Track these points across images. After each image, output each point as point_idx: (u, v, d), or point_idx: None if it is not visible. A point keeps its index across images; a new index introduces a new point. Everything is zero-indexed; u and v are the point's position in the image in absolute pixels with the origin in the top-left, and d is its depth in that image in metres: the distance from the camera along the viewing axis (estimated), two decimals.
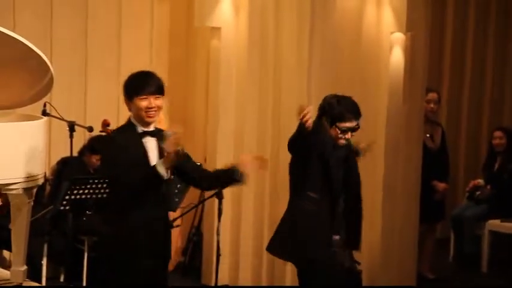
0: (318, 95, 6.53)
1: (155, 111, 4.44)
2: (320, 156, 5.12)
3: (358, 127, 5.19)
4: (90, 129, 6.76)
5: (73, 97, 7.37)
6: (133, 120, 4.43)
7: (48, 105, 6.41)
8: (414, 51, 7.24)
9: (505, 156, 8.47)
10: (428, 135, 7.73)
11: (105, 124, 6.89)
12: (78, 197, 6.28)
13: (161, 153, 4.38)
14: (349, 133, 5.17)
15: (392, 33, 7.06)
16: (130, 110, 4.46)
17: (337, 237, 5.23)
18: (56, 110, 6.39)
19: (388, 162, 7.14)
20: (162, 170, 4.26)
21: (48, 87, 5.91)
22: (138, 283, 4.39)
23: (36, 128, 5.71)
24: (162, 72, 7.80)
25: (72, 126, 6.41)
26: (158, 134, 4.44)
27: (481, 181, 8.53)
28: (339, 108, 5.18)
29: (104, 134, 6.94)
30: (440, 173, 7.84)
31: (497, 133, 8.56)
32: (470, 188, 8.58)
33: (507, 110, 10.09)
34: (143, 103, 4.36)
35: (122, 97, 7.66)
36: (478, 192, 8.46)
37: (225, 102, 7.40)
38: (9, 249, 6.55)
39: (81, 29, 7.72)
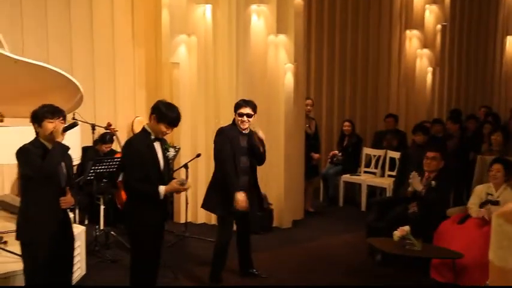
0: None
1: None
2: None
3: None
4: (106, 128, 6.87)
5: (87, 107, 6.97)
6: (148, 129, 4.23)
7: (75, 113, 6.22)
8: (298, 74, 7.34)
9: (350, 137, 8.77)
10: (307, 125, 7.96)
11: (109, 125, 7.02)
12: (98, 170, 6.25)
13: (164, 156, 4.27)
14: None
15: (285, 64, 7.16)
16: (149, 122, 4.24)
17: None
18: (81, 116, 6.31)
19: (286, 142, 7.25)
20: (162, 193, 4.17)
21: (79, 103, 5.85)
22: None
23: (77, 128, 5.66)
24: (140, 93, 8.13)
25: (93, 126, 6.48)
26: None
27: (336, 152, 8.81)
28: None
29: (107, 131, 7.15)
30: (315, 148, 8.13)
31: (346, 123, 8.89)
32: (331, 155, 8.80)
33: (349, 107, 10.20)
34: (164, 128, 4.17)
35: (117, 107, 7.98)
36: (335, 158, 8.70)
37: (183, 110, 7.16)
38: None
39: (90, 62, 7.71)
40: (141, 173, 4.12)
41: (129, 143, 4.38)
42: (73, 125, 4.00)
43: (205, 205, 5.34)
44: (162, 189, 4.15)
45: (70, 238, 4.14)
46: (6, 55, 5.17)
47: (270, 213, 7.19)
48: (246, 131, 5.13)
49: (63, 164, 3.98)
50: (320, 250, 6.51)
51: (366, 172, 8.74)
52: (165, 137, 4.35)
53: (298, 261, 6.12)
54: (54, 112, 3.93)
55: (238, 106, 5.10)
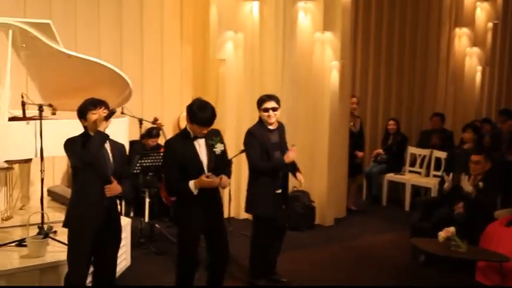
0: (289, 102, 6.84)
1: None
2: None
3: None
4: (153, 122, 6.92)
5: (135, 102, 7.07)
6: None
7: (124, 108, 6.14)
8: (344, 72, 7.29)
9: (394, 135, 8.61)
10: (352, 123, 7.89)
11: (155, 120, 7.05)
12: (144, 164, 6.30)
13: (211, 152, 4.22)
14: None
15: (331, 61, 7.15)
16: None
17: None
18: (128, 110, 6.22)
19: (330, 139, 7.18)
20: (193, 188, 4.12)
21: (128, 97, 5.97)
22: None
23: (125, 122, 5.81)
24: (187, 89, 8.21)
25: (140, 121, 6.50)
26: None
27: (380, 150, 8.68)
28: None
29: (154, 125, 7.24)
30: (359, 146, 8.04)
31: (391, 121, 8.73)
32: (375, 154, 8.69)
33: (394, 105, 10.10)
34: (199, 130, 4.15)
35: (164, 102, 8.08)
36: (379, 157, 8.59)
37: (228, 106, 7.44)
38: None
39: (139, 59, 7.83)
40: (176, 173, 4.14)
41: (166, 143, 4.41)
42: (112, 112, 4.04)
43: (246, 208, 5.26)
44: (191, 184, 4.10)
45: (116, 228, 4.17)
46: (60, 50, 5.32)
47: (312, 210, 7.17)
48: (274, 126, 5.00)
49: (110, 153, 4.04)
50: (362, 249, 6.46)
51: (410, 171, 8.60)
52: (216, 131, 4.34)
53: (339, 260, 6.09)
54: (96, 103, 4.02)
55: (261, 101, 4.94)
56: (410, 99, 10.29)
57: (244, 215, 7.29)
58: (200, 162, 4.19)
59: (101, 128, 3.94)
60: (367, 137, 9.48)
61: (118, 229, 4.20)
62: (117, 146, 4.15)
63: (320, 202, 7.27)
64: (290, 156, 4.92)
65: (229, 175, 4.55)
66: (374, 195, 8.60)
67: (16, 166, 5.85)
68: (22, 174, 6.02)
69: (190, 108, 4.18)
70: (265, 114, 4.91)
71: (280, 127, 5.07)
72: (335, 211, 7.50)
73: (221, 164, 4.32)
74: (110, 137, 4.06)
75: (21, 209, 6.00)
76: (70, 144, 3.95)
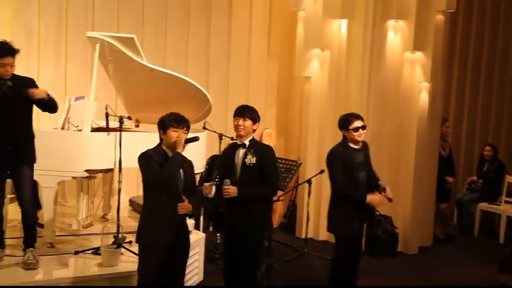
0: (374, 123, 6.65)
1: (242, 129, 4.38)
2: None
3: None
4: (232, 138, 6.84)
5: (219, 118, 7.33)
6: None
7: (206, 123, 6.32)
8: (434, 94, 6.99)
9: (491, 162, 8.17)
10: (441, 148, 7.60)
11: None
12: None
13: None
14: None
15: (421, 82, 6.85)
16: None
17: None
18: (211, 126, 6.36)
19: (417, 163, 6.86)
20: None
21: (207, 112, 6.05)
22: None
23: (203, 137, 5.72)
24: (272, 105, 8.21)
25: (220, 136, 6.50)
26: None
27: (475, 178, 8.26)
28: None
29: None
30: (449, 171, 7.68)
31: (487, 147, 8.27)
32: (468, 182, 8.28)
33: (493, 130, 9.60)
34: (234, 122, 4.39)
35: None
36: (473, 185, 8.18)
37: (312, 124, 7.36)
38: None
39: (225, 79, 7.92)
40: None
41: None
42: (194, 139, 4.04)
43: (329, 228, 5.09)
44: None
45: (185, 245, 4.16)
46: (142, 64, 5.43)
47: (394, 236, 6.83)
48: (359, 146, 4.86)
49: (181, 171, 4.02)
50: (444, 282, 6.03)
51: (507, 202, 8.03)
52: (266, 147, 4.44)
53: None
54: (180, 121, 3.99)
55: (350, 121, 4.79)
56: (511, 125, 9.67)
57: (324, 236, 7.18)
58: (234, 170, 4.32)
59: (179, 150, 3.93)
60: (461, 163, 9.09)
61: (186, 246, 4.18)
62: (188, 163, 4.11)
63: (404, 228, 6.94)
64: (376, 200, 4.80)
65: (258, 195, 4.41)
66: (465, 224, 8.13)
67: (99, 175, 6.01)
68: (104, 183, 6.18)
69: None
70: (356, 133, 4.77)
71: (365, 147, 4.94)
72: (420, 239, 7.11)
73: (250, 178, 4.32)
74: (186, 153, 4.05)
75: (102, 217, 6.17)
76: (144, 160, 3.94)
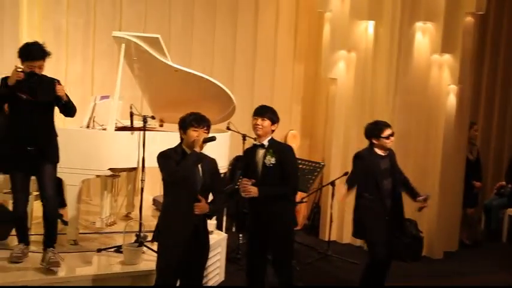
0: (400, 126, 6.54)
1: (260, 128, 4.35)
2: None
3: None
4: (255, 139, 6.96)
5: (244, 118, 7.22)
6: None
7: (230, 123, 6.29)
8: (462, 97, 6.89)
9: None
10: (469, 151, 7.51)
11: None
12: None
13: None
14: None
15: (448, 85, 6.77)
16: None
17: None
18: (234, 126, 6.32)
19: (443, 166, 6.80)
20: None
21: (231, 113, 6.06)
22: None
23: (225, 137, 5.88)
24: (297, 106, 8.19)
25: (244, 137, 6.44)
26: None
27: (504, 183, 8.11)
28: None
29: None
30: (476, 176, 7.60)
31: None
32: (498, 186, 8.14)
33: None
34: (253, 121, 4.37)
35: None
36: (502, 190, 8.04)
37: (337, 126, 7.34)
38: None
39: (250, 78, 7.94)
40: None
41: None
42: (211, 139, 4.00)
43: (355, 233, 5.08)
44: None
45: (203, 246, 4.11)
46: (167, 64, 5.44)
47: (419, 241, 6.74)
48: (386, 153, 4.93)
49: (200, 168, 3.99)
50: None
51: None
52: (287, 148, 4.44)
53: None
54: (200, 121, 3.97)
55: (382, 130, 4.86)
56: None
57: (347, 239, 7.15)
58: (255, 171, 4.31)
59: (196, 150, 3.91)
60: (490, 168, 8.91)
61: (205, 247, 4.14)
62: (208, 161, 4.08)
63: (429, 232, 6.85)
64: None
65: (281, 194, 4.37)
66: (492, 230, 8.00)
67: (123, 174, 6.05)
68: (128, 182, 6.22)
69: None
70: (387, 141, 4.86)
71: (391, 154, 4.98)
72: (445, 243, 7.01)
73: (271, 178, 4.30)
74: (207, 152, 4.04)
75: (126, 216, 6.21)
76: (163, 159, 3.94)
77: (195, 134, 3.92)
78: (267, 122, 4.36)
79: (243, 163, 4.53)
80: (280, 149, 4.38)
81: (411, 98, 6.80)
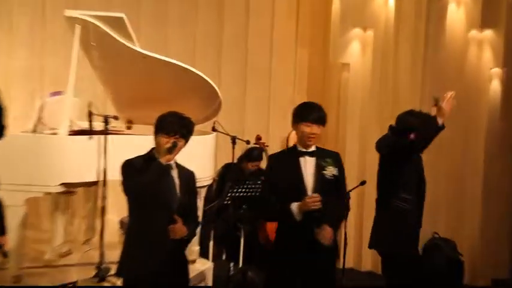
0: None
1: (313, 138, 4.12)
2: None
3: None
4: (248, 142, 6.74)
5: (234, 117, 7.44)
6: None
7: (216, 123, 6.35)
8: (509, 83, 6.85)
9: None
10: None
11: (258, 138, 7.00)
12: (237, 194, 6.15)
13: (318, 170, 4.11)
14: None
15: (491, 68, 6.76)
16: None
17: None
18: (222, 127, 6.33)
19: (487, 167, 6.79)
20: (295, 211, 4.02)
21: (217, 110, 6.17)
22: None
23: (209, 140, 5.89)
24: (302, 98, 8.04)
25: (234, 140, 6.37)
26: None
27: None
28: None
29: (256, 145, 7.03)
30: None
31: None
32: None
33: None
34: (307, 129, 4.06)
35: (271, 118, 8.00)
36: None
37: (351, 121, 7.36)
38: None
39: (242, 69, 7.96)
40: (273, 193, 4.12)
41: (269, 157, 4.61)
42: (173, 147, 3.84)
43: (374, 244, 5.19)
44: (294, 206, 3.99)
45: (180, 278, 4.05)
46: (133, 49, 5.47)
47: (459, 265, 6.51)
48: None
49: (177, 182, 3.92)
50: None
51: None
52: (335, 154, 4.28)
53: None
54: (170, 130, 3.84)
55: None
56: None
57: (367, 267, 7.14)
58: (303, 183, 4.07)
59: (162, 160, 3.81)
60: None
61: (183, 280, 4.10)
62: (185, 174, 4.01)
63: (471, 255, 6.72)
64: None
65: (340, 216, 4.42)
66: None
67: (80, 190, 6.03)
68: (87, 200, 6.20)
69: (295, 110, 4.19)
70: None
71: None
72: (493, 268, 6.89)
73: (331, 193, 4.08)
74: (183, 160, 3.96)
75: (84, 243, 6.15)
76: (124, 167, 3.87)
77: (164, 141, 3.83)
78: (321, 129, 4.19)
79: (268, 174, 4.30)
80: (334, 157, 4.23)
81: (444, 85, 6.58)
